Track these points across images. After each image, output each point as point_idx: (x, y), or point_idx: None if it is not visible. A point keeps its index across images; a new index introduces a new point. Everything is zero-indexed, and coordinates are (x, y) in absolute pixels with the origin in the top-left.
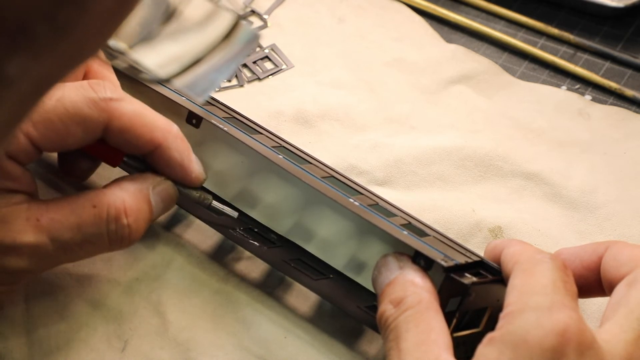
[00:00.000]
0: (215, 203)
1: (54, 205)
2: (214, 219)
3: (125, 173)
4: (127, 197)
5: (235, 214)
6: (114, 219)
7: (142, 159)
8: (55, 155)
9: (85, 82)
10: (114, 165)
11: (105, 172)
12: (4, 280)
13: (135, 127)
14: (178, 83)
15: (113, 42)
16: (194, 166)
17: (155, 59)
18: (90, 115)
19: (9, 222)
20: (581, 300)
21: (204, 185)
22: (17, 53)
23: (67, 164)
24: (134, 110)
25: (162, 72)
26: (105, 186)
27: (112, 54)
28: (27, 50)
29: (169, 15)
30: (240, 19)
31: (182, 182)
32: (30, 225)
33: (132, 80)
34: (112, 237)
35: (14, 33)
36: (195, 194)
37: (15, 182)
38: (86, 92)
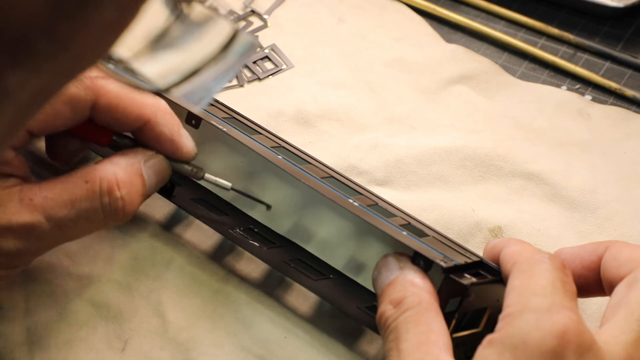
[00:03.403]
0: (208, 175)
1: (46, 184)
2: (214, 219)
3: None
4: (118, 170)
5: (228, 185)
6: (107, 192)
7: (132, 137)
8: (42, 148)
9: None
10: (103, 145)
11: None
12: (3, 264)
13: (123, 103)
14: (176, 92)
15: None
16: (185, 141)
17: (154, 68)
18: (77, 94)
19: (3, 204)
20: (581, 301)
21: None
22: (17, 66)
23: (54, 147)
24: (121, 87)
25: (162, 82)
26: (97, 162)
27: (111, 59)
28: (26, 63)
29: (172, 23)
30: (234, 22)
31: (173, 156)
32: (25, 205)
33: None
34: (106, 210)
35: (14, 46)
36: (187, 167)
37: (8, 166)
38: None
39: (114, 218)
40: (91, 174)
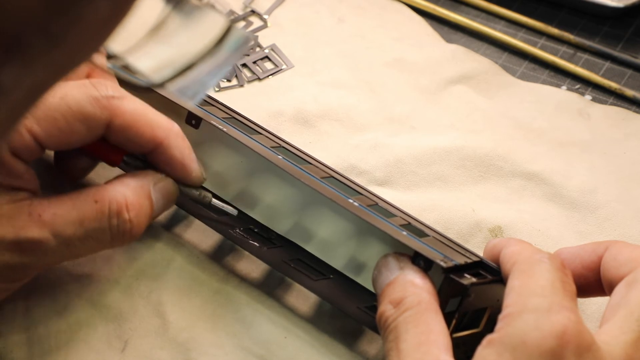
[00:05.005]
0: (214, 201)
1: (56, 201)
2: (214, 219)
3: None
4: (128, 192)
5: (234, 211)
6: (116, 214)
7: (142, 158)
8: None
9: (87, 80)
10: (113, 165)
11: (105, 173)
12: (7, 277)
13: (138, 124)
14: (170, 87)
15: (107, 46)
16: (195, 165)
17: (149, 63)
18: (93, 113)
19: (12, 218)
20: (581, 301)
21: (204, 185)
22: (10, 63)
23: (64, 163)
24: (136, 108)
25: (156, 77)
26: (107, 182)
27: (106, 56)
28: (20, 60)
29: (166, 17)
30: (231, 20)
31: (182, 180)
32: (33, 220)
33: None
34: (114, 231)
35: (8, 43)
36: (195, 192)
37: (19, 180)
38: (89, 90)
39: (121, 240)
40: (101, 193)
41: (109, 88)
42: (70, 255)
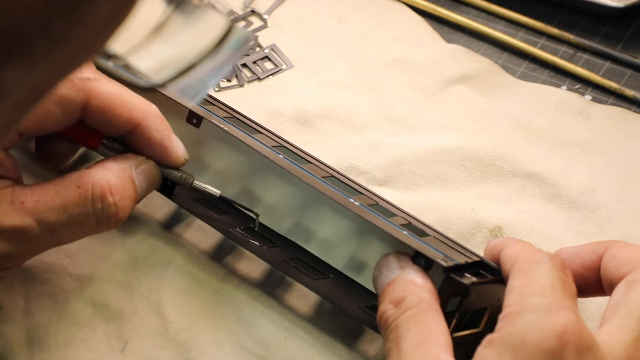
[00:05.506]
0: (196, 183)
1: (38, 188)
2: (215, 218)
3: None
4: (111, 176)
5: (217, 192)
6: (100, 198)
7: (122, 141)
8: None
9: None
10: (93, 149)
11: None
12: None
13: (114, 106)
14: (172, 87)
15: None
16: (174, 146)
17: (150, 63)
18: (68, 94)
19: None
20: (581, 300)
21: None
22: (12, 64)
23: (44, 149)
24: (112, 90)
25: (157, 77)
26: (89, 167)
27: (107, 56)
28: (21, 60)
29: (167, 17)
30: (232, 20)
31: (162, 162)
32: (15, 208)
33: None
34: (98, 216)
35: (9, 44)
36: (177, 173)
37: (0, 167)
38: None
39: (107, 224)
40: (83, 178)
41: (84, 70)
42: (55, 241)
